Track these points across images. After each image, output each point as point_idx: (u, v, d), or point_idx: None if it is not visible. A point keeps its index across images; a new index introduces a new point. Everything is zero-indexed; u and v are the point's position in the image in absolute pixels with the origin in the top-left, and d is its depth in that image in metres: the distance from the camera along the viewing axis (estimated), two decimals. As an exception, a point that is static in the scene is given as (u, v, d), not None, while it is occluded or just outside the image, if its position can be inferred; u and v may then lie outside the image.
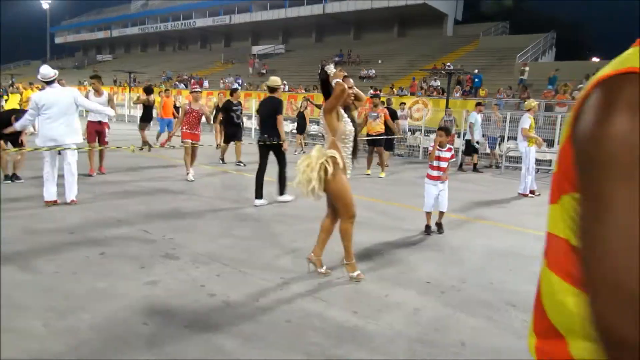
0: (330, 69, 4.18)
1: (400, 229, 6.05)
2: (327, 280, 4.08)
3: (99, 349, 2.80)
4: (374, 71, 30.78)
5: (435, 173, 5.82)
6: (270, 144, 6.95)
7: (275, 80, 7.17)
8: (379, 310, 3.56)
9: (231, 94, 11.16)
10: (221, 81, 33.49)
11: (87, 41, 68.27)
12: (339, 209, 4.09)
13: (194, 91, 9.05)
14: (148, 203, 6.72)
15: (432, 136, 15.54)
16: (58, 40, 71.66)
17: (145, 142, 12.32)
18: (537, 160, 10.06)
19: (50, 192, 6.21)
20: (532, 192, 8.91)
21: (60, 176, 6.36)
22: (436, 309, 3.65)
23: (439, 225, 5.94)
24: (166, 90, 14.98)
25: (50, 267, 4.01)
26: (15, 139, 7.55)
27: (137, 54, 62.75)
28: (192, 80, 34.73)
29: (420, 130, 15.70)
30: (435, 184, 5.81)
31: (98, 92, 8.80)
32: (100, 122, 8.62)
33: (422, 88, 24.44)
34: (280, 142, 6.93)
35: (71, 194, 6.36)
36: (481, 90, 22.33)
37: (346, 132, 4.08)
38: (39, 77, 6.41)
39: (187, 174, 8.73)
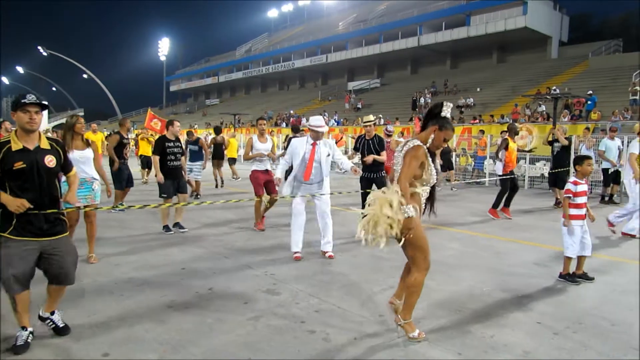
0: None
1: (504, 263, 5.73)
2: (428, 319, 3.96)
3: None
4: (472, 100, 30.01)
5: (575, 211, 5.02)
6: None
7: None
8: (485, 352, 3.38)
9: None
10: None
11: (197, 87, 74.34)
12: (414, 258, 3.52)
13: (390, 133, 9.42)
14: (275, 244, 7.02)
15: (539, 165, 14.80)
16: (172, 88, 78.86)
17: None
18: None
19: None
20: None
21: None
22: (549, 353, 3.37)
23: (582, 275, 5.06)
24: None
25: (165, 301, 4.32)
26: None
27: (242, 96, 67.01)
28: (292, 119, 36.26)
29: (525, 159, 14.87)
30: (581, 224, 5.04)
31: (263, 137, 7.58)
32: (267, 171, 7.48)
33: (525, 114, 23.33)
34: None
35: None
36: (593, 114, 20.78)
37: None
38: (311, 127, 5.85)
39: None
